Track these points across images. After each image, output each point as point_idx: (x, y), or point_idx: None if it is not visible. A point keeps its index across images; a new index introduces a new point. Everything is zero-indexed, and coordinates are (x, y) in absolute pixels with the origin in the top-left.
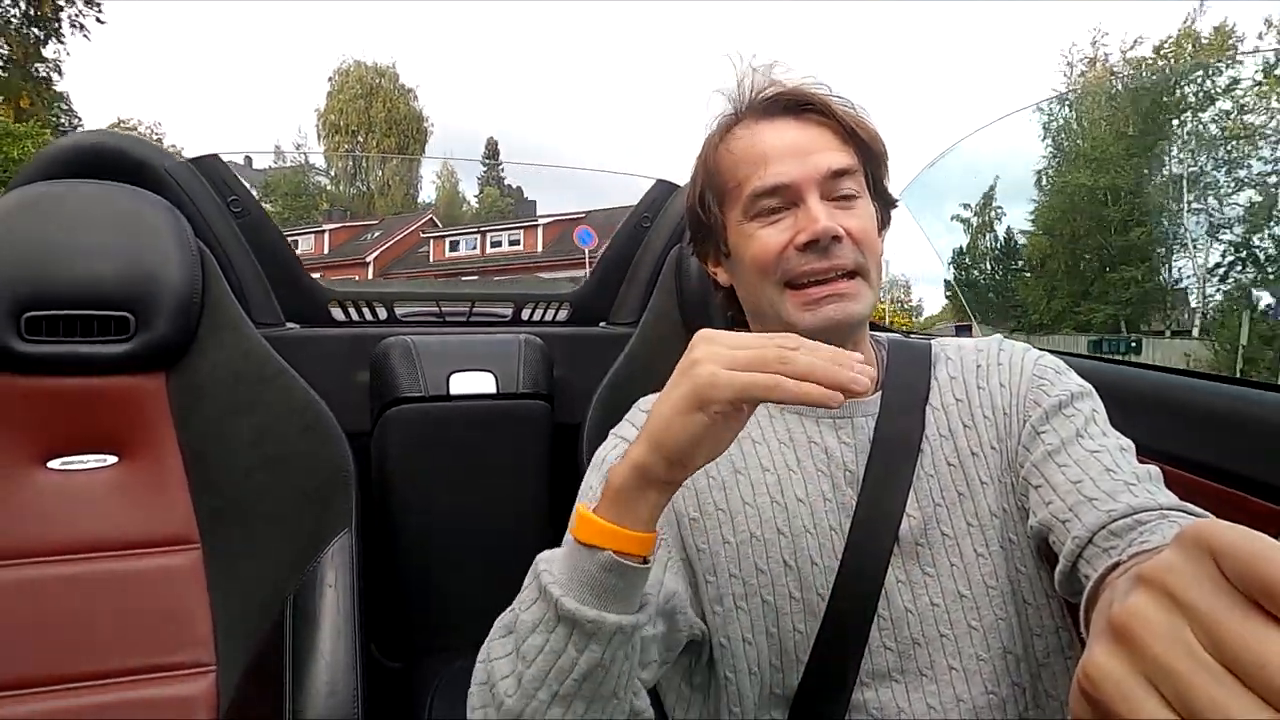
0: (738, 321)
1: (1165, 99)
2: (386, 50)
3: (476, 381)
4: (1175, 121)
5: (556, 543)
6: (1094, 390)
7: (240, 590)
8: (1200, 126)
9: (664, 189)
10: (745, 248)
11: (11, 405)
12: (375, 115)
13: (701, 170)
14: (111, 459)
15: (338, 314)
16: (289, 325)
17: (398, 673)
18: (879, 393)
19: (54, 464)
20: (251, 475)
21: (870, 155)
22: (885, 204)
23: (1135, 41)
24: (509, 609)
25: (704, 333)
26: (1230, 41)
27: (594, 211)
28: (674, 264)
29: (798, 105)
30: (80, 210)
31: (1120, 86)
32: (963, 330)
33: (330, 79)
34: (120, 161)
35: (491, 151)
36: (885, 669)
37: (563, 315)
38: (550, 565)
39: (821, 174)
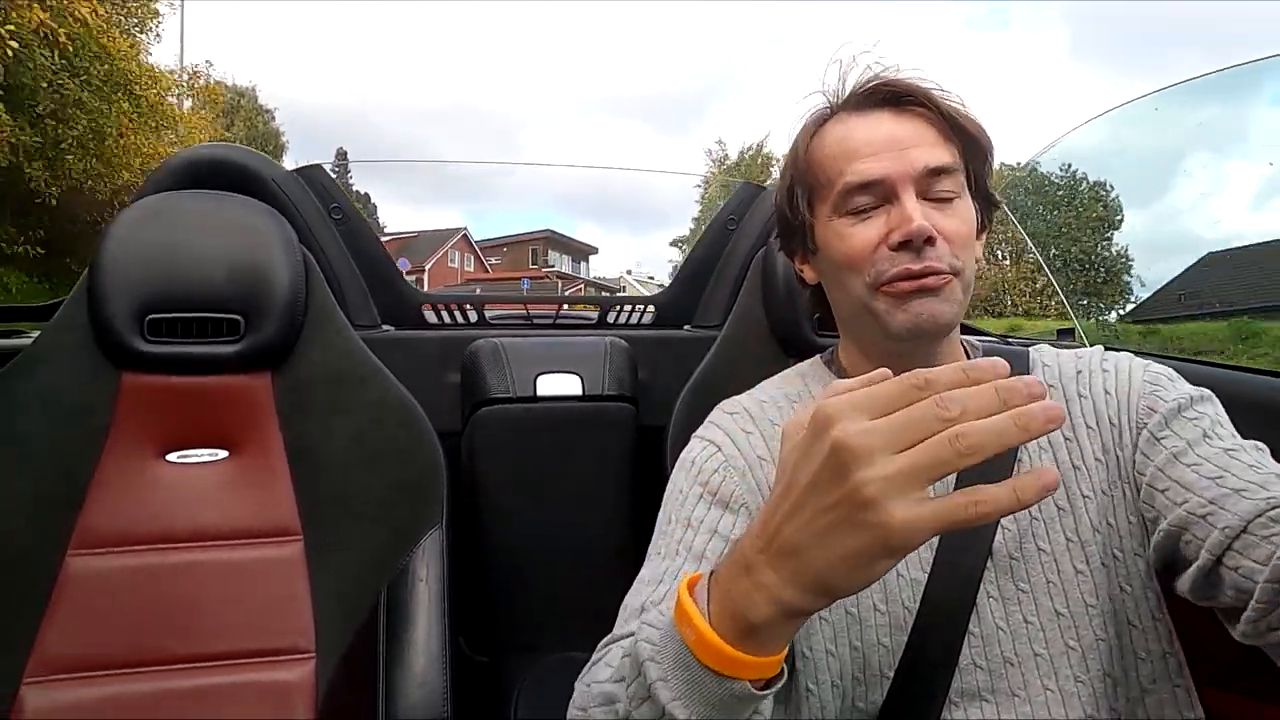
0: (824, 321)
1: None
2: (245, 69)
3: (563, 383)
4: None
5: (638, 545)
6: (1213, 395)
7: (338, 581)
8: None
9: (750, 191)
10: (834, 245)
11: (135, 401)
12: (236, 133)
13: (791, 165)
14: (222, 453)
15: (430, 316)
16: (384, 327)
17: (485, 667)
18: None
19: (171, 457)
20: (349, 471)
21: (974, 152)
22: (987, 203)
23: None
24: (606, 667)
25: (842, 438)
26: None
27: (403, 234)
28: (759, 266)
29: (896, 97)
30: (198, 219)
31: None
32: (1064, 335)
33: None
34: (234, 173)
35: (341, 158)
36: (975, 688)
37: (648, 318)
38: (665, 674)
39: (918, 171)
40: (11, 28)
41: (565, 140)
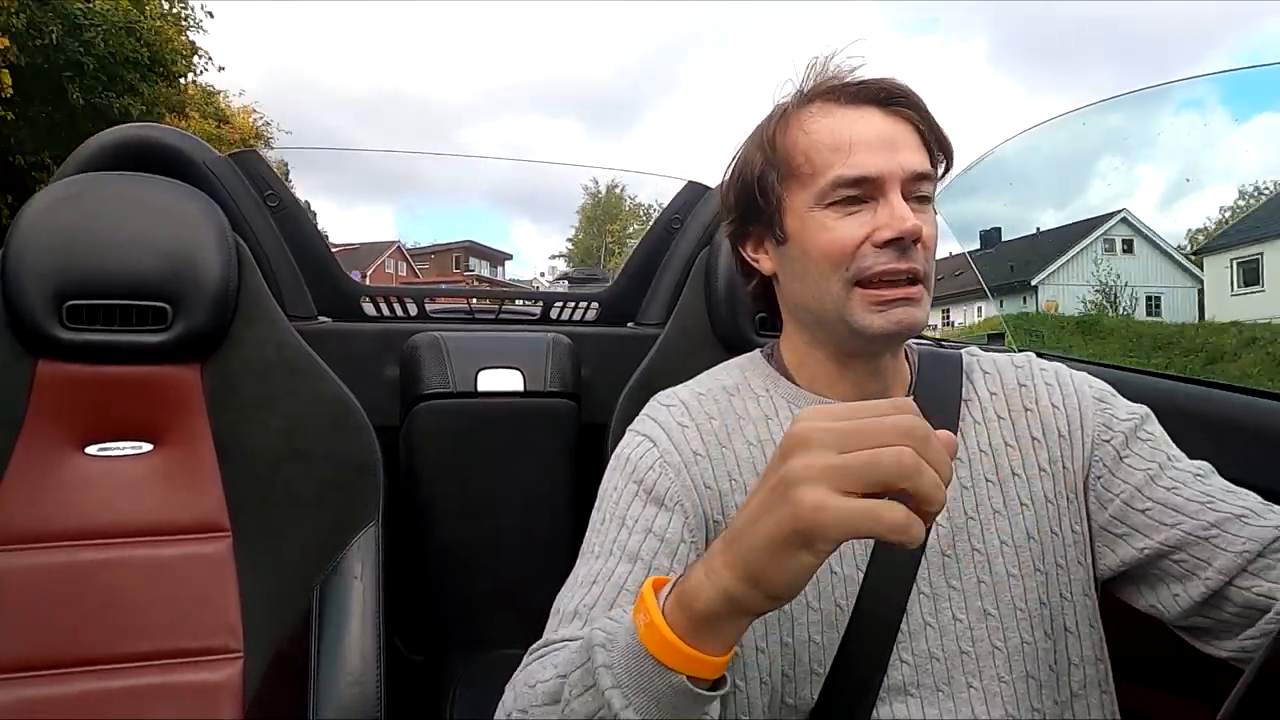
0: (767, 321)
1: None
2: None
3: (504, 379)
4: None
5: (579, 542)
6: (1150, 411)
7: (268, 579)
8: None
9: (695, 190)
10: (815, 236)
11: (53, 392)
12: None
13: (762, 146)
14: (147, 446)
15: (369, 309)
16: (321, 319)
17: (421, 666)
18: (909, 397)
19: (92, 450)
20: (281, 466)
21: (946, 164)
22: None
23: None
24: (549, 665)
25: (801, 430)
26: None
27: (348, 245)
28: (702, 265)
29: (887, 96)
30: (122, 202)
31: None
32: (994, 340)
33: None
34: (161, 155)
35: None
36: (901, 683)
37: (591, 315)
38: (611, 661)
39: (907, 172)
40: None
41: (499, 138)
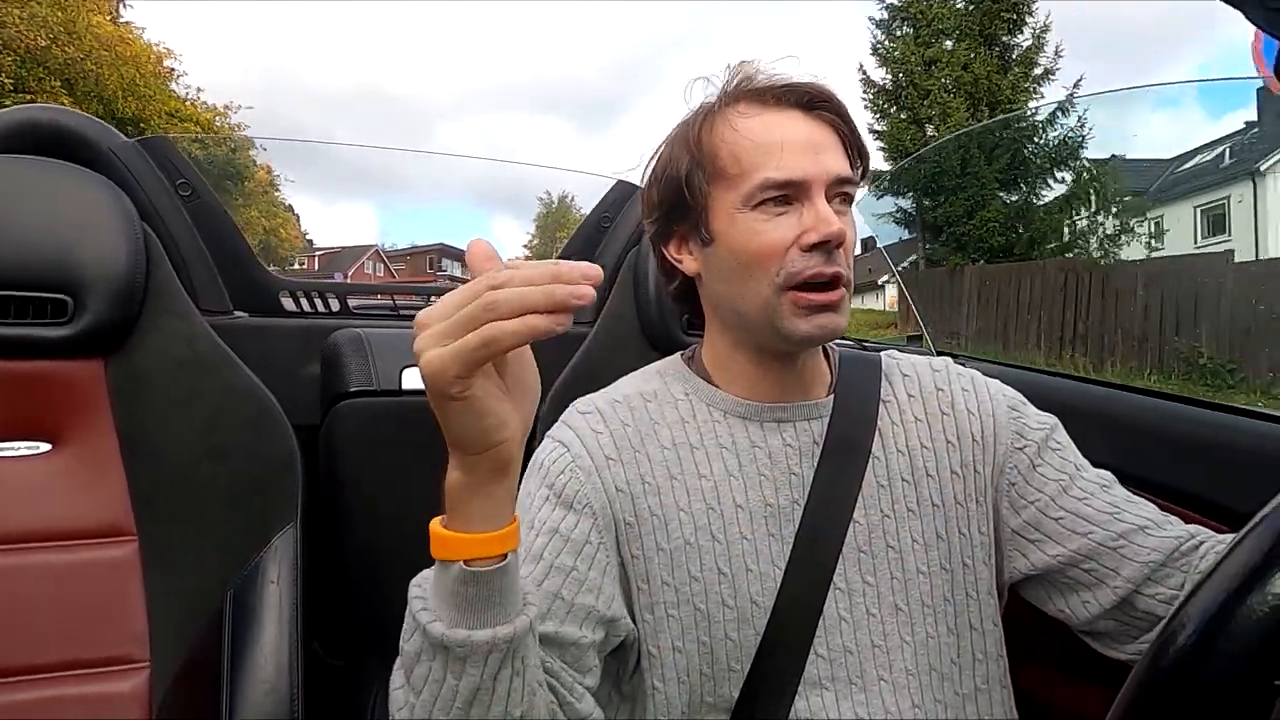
0: (694, 322)
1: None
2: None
3: None
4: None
5: None
6: (1058, 420)
7: (177, 585)
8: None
9: (624, 189)
10: (743, 239)
11: None
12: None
13: (687, 145)
14: (44, 446)
15: (288, 304)
16: (237, 314)
17: (340, 670)
18: (830, 395)
19: None
20: (192, 467)
21: (863, 171)
22: None
23: None
24: (401, 637)
25: (419, 317)
26: None
27: (330, 249)
28: (631, 265)
29: (811, 101)
30: (18, 188)
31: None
32: (913, 341)
33: None
34: (63, 139)
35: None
36: (817, 677)
37: None
38: (423, 588)
39: (831, 176)
40: None
41: (481, 134)
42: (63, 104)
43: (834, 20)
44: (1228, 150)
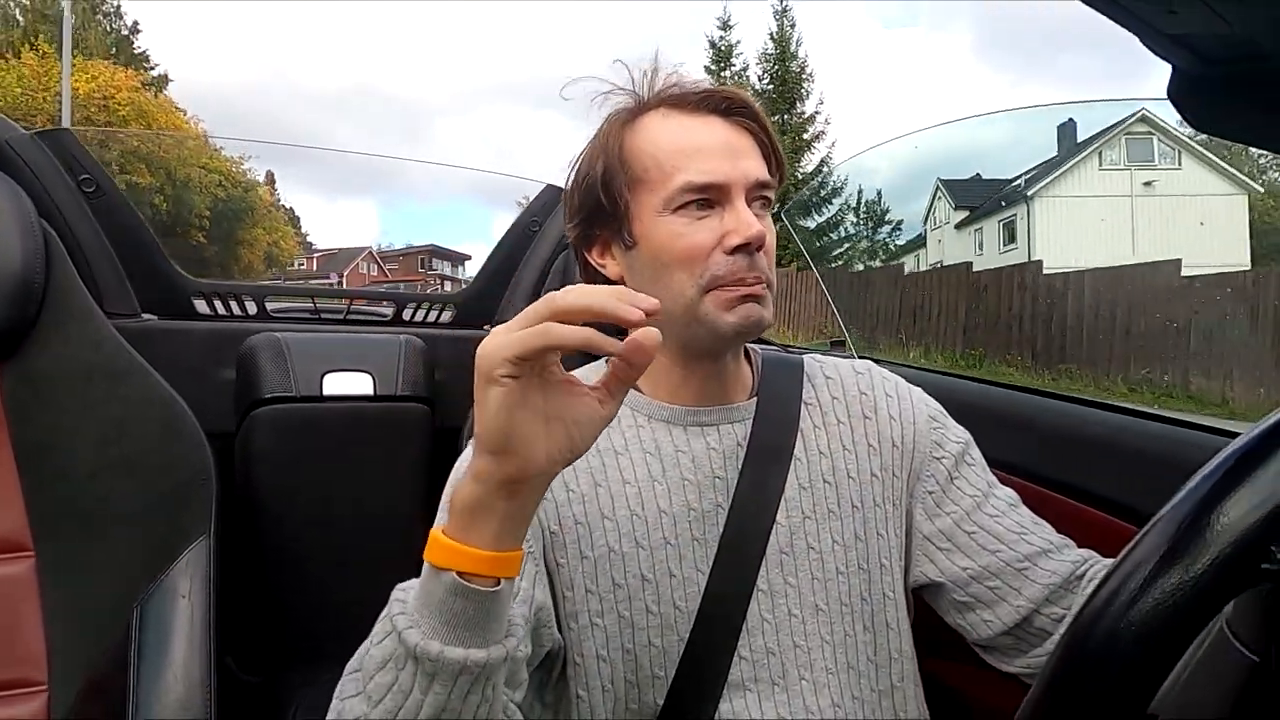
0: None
1: None
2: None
3: (352, 382)
4: None
5: None
6: (971, 437)
7: (79, 602)
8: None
9: (553, 193)
10: (666, 242)
11: None
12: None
13: (605, 151)
14: None
15: (202, 307)
16: (146, 316)
17: (257, 687)
18: (753, 399)
19: None
20: (97, 477)
21: (780, 177)
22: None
23: None
24: (366, 641)
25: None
26: None
27: (329, 250)
28: (561, 269)
29: (730, 107)
30: None
31: None
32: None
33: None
34: None
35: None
36: (740, 679)
37: (446, 317)
38: (406, 594)
39: (750, 180)
40: None
41: (480, 129)
42: (144, 179)
43: (837, 20)
44: (1024, 175)
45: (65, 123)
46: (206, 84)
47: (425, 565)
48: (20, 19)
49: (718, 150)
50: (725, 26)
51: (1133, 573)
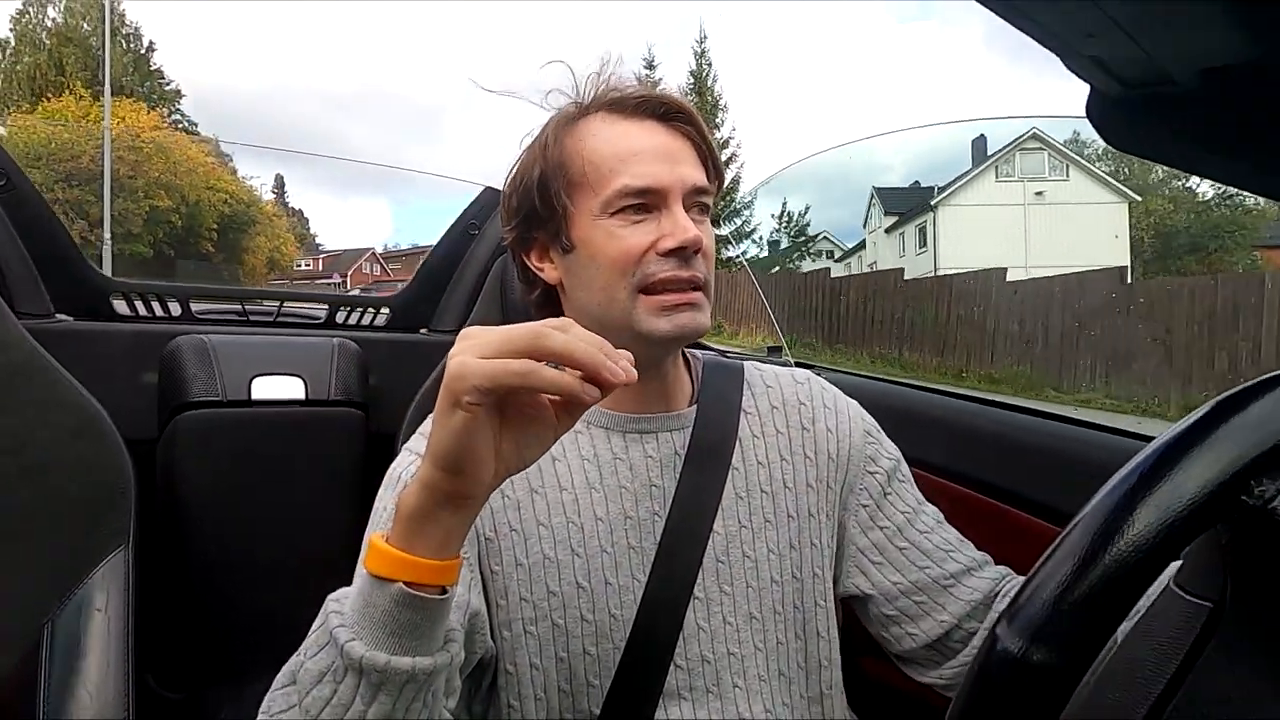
0: None
1: None
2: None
3: (283, 386)
4: None
5: None
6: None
7: None
8: None
9: (492, 195)
10: (603, 245)
11: None
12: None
13: (544, 155)
14: None
15: (122, 307)
16: (60, 317)
17: (179, 705)
18: (693, 407)
19: None
20: (7, 487)
21: (719, 182)
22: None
23: None
24: (296, 653)
25: (465, 330)
26: None
27: (334, 252)
28: (499, 272)
29: (667, 112)
30: None
31: None
32: (774, 351)
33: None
34: None
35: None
36: (675, 687)
37: (381, 320)
38: (341, 604)
39: (687, 185)
40: None
41: (489, 124)
42: (163, 203)
43: (837, 19)
44: (937, 185)
45: (106, 161)
46: (222, 90)
47: (363, 575)
48: (46, 41)
49: (655, 154)
50: (650, 66)
51: (1055, 572)
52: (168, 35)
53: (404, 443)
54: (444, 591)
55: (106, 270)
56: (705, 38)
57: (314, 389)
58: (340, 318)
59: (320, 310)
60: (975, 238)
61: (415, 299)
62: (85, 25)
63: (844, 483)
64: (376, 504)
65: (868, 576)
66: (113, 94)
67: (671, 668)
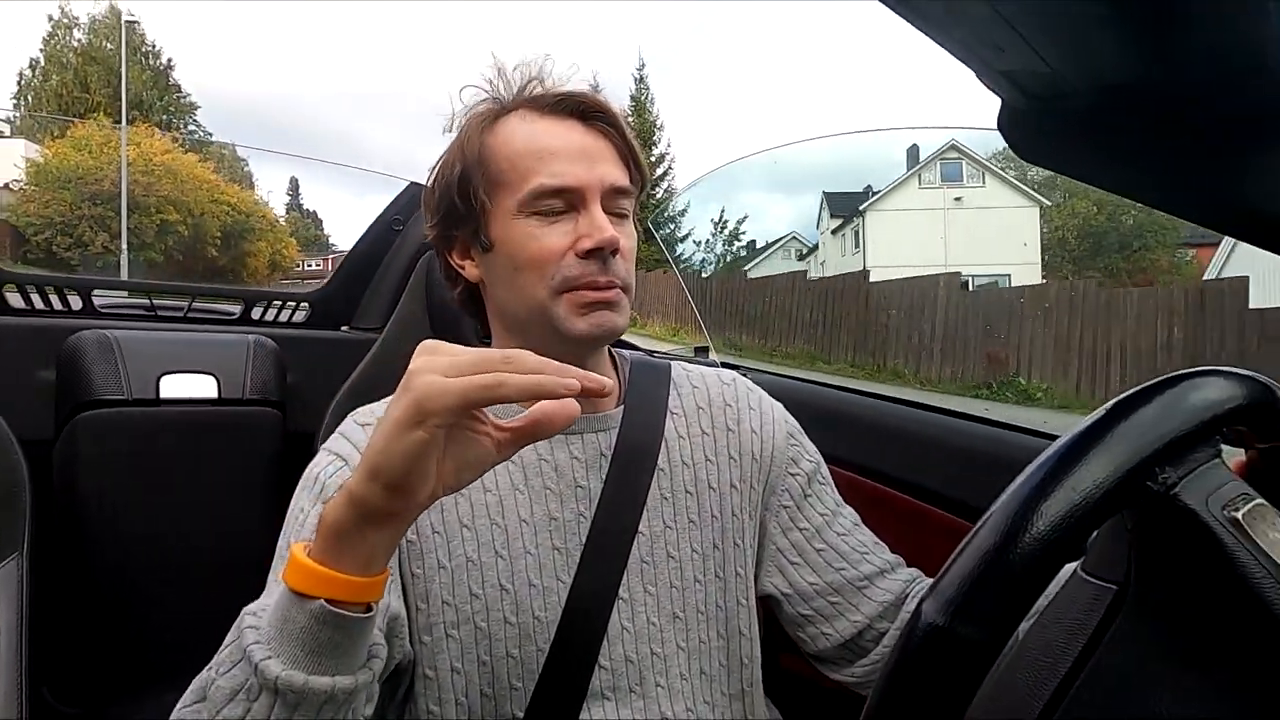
0: (483, 331)
1: None
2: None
3: (194, 385)
4: None
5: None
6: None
7: None
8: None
9: (417, 190)
10: (520, 244)
11: None
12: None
13: (464, 153)
14: None
15: (16, 300)
16: None
17: (76, 719)
18: (619, 407)
19: None
20: None
21: (641, 183)
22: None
23: None
24: (206, 668)
25: (425, 344)
26: None
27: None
28: (425, 269)
29: (587, 111)
30: None
31: None
32: (700, 352)
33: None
34: None
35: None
36: (599, 688)
37: (300, 316)
38: (258, 619)
39: (606, 186)
40: None
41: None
42: (172, 216)
43: (836, 17)
44: (871, 190)
45: (123, 184)
46: (238, 94)
47: (282, 589)
48: (73, 60)
49: (573, 154)
50: (594, 89)
51: (979, 549)
52: (186, 44)
53: (323, 442)
54: (368, 609)
55: (123, 275)
56: (643, 64)
57: (227, 387)
58: (256, 314)
59: (235, 306)
60: (898, 242)
61: (336, 295)
62: (108, 45)
63: (766, 483)
64: (293, 506)
65: (785, 576)
66: (132, 109)
67: (595, 669)
